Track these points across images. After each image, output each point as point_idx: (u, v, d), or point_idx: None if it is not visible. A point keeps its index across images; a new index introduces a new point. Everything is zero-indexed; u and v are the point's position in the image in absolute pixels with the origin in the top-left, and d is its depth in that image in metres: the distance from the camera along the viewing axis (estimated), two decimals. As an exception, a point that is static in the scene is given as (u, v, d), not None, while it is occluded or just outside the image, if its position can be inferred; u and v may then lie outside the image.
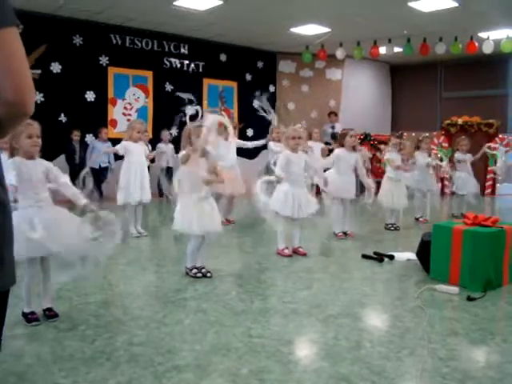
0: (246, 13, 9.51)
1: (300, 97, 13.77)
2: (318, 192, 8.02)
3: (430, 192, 8.11)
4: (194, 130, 4.40)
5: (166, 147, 10.41)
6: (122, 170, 6.49)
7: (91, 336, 3.17)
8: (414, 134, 12.09)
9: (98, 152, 9.66)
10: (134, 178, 6.33)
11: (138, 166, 6.40)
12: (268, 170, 7.56)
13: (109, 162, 9.91)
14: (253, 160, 11.63)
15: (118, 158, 9.02)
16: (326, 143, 10.60)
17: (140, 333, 3.23)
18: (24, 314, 3.40)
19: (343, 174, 6.37)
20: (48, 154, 4.94)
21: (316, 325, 3.43)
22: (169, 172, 10.41)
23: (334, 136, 11.92)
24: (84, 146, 9.96)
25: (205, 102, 12.20)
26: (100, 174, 9.88)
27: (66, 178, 3.55)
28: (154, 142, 10.24)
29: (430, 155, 8.06)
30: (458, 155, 8.48)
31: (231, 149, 7.26)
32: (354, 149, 6.44)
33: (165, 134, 10.57)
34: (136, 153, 6.39)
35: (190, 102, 5.79)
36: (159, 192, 10.62)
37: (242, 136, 12.21)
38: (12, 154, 3.35)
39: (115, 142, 9.67)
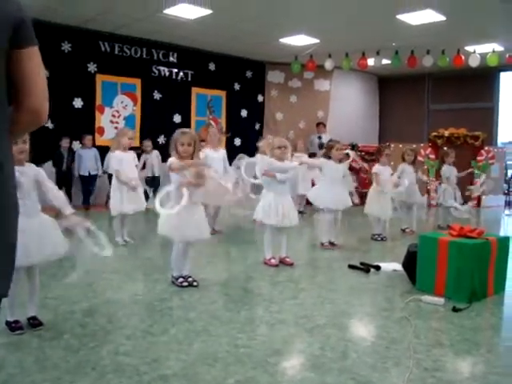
0: (235, 22, 9.55)
1: (288, 107, 13.83)
2: (307, 203, 8.04)
3: (416, 204, 8.14)
4: (179, 137, 4.38)
5: (149, 157, 10.31)
6: (113, 180, 6.43)
7: (76, 345, 3.14)
8: (401, 146, 12.17)
9: (85, 160, 9.65)
10: (126, 187, 6.27)
11: (129, 176, 6.34)
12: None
13: (97, 170, 9.88)
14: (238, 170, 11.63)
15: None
16: (311, 154, 10.61)
17: (126, 342, 3.21)
18: (7, 323, 3.36)
19: (334, 186, 6.38)
20: (34, 160, 4.89)
21: (302, 335, 3.43)
22: (155, 181, 10.40)
23: (321, 146, 11.96)
24: (71, 153, 9.91)
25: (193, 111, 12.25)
26: (89, 182, 9.86)
27: (53, 184, 3.55)
28: (141, 150, 10.23)
29: (414, 165, 8.06)
30: (444, 169, 8.54)
31: (219, 160, 7.20)
32: (340, 161, 6.47)
33: (146, 144, 10.44)
34: (127, 162, 6.35)
35: None
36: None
37: (230, 145, 12.27)
38: None
39: (102, 149, 9.66)
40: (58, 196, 3.50)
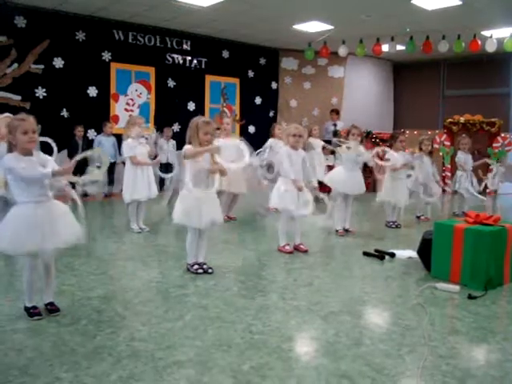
0: (248, 9, 9.50)
1: (302, 94, 13.77)
2: (321, 189, 8.03)
3: (432, 193, 8.05)
4: (203, 126, 4.38)
5: (166, 144, 10.48)
6: (126, 168, 6.46)
7: (93, 331, 3.18)
8: (415, 132, 12.07)
9: (105, 147, 9.64)
10: (140, 175, 6.30)
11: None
12: (268, 168, 7.55)
13: (116, 157, 9.93)
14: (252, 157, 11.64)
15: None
16: (325, 141, 10.56)
17: (141, 328, 3.24)
18: (26, 309, 3.42)
19: (349, 170, 6.38)
20: (49, 149, 4.94)
21: (317, 321, 3.44)
22: (168, 168, 10.46)
23: (335, 134, 11.90)
24: (86, 141, 9.97)
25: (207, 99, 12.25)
26: (109, 170, 9.91)
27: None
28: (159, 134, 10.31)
29: (432, 156, 8.00)
30: (459, 156, 8.44)
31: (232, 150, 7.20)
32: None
33: (167, 131, 10.65)
34: (139, 150, 6.37)
35: None
36: (160, 188, 10.68)
37: (244, 133, 12.26)
38: (10, 150, 3.32)
39: (117, 137, 9.70)
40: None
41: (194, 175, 4.40)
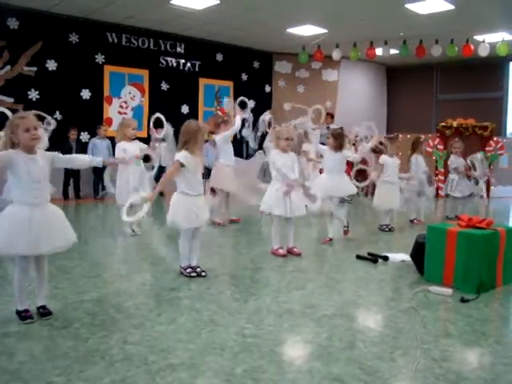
0: (242, 12, 9.52)
1: (296, 97, 13.77)
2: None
3: (425, 195, 8.09)
4: (202, 131, 4.43)
5: (158, 146, 10.42)
6: (119, 171, 6.42)
7: (85, 334, 3.16)
8: (409, 136, 12.11)
9: (99, 150, 9.62)
10: (132, 177, 6.27)
11: (135, 166, 6.34)
12: (265, 172, 7.56)
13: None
14: (248, 160, 11.66)
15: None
16: (321, 144, 10.57)
17: (134, 331, 3.23)
18: (18, 312, 3.39)
19: (331, 174, 6.24)
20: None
21: (310, 325, 3.43)
22: (161, 171, 10.42)
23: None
24: (79, 143, 9.94)
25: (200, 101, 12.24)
26: (102, 173, 9.86)
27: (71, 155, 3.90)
28: (149, 141, 10.27)
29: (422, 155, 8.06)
30: (451, 159, 8.47)
31: (231, 147, 7.38)
32: (339, 149, 6.26)
33: (160, 132, 10.57)
34: (132, 152, 6.34)
35: None
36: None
37: (237, 135, 12.23)
38: (12, 148, 3.29)
39: (111, 139, 9.68)
40: (84, 157, 3.96)
41: (188, 181, 4.40)
